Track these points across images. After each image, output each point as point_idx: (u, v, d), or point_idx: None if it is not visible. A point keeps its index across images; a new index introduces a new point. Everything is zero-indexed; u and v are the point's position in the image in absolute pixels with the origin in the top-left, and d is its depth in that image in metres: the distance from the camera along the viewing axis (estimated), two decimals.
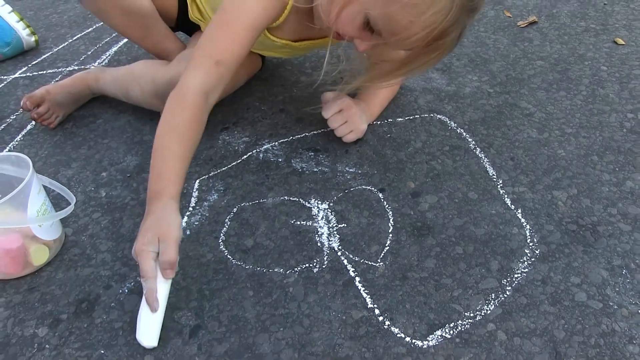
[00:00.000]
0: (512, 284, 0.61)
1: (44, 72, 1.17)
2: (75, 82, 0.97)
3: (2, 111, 1.04)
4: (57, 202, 0.77)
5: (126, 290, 0.65)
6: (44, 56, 1.23)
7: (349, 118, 0.82)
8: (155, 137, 0.64)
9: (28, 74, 1.16)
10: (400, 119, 0.90)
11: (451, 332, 0.57)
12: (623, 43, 1.05)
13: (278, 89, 0.98)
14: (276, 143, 0.87)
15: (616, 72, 0.98)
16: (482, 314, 0.58)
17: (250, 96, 0.99)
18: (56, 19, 1.41)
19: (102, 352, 0.58)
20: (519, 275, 0.62)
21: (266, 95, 0.99)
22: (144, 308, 0.57)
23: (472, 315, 0.58)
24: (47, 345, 0.59)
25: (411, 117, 0.90)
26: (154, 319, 0.57)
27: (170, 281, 0.59)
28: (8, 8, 1.19)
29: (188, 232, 0.72)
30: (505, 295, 0.60)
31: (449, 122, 0.89)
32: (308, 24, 0.74)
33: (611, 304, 0.58)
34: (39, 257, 0.69)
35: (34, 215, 0.67)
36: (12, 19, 1.18)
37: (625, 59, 1.00)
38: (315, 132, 0.89)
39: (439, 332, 0.57)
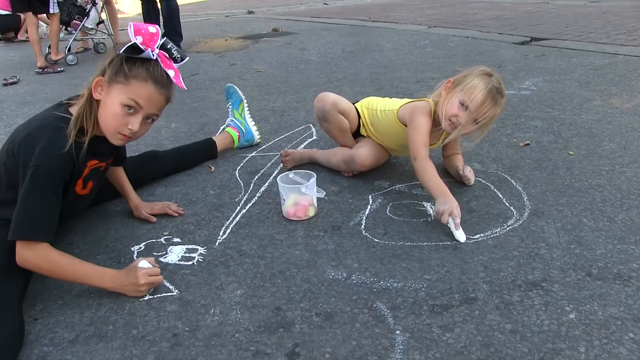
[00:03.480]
0: (507, 220, 1.70)
1: (267, 154, 2.39)
2: (304, 153, 2.17)
3: (256, 167, 2.24)
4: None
5: (362, 222, 1.76)
6: (263, 147, 2.47)
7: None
8: (422, 174, 1.76)
9: (259, 154, 2.39)
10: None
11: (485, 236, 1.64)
12: (572, 153, 2.20)
13: (394, 168, 2.14)
14: (404, 185, 2.02)
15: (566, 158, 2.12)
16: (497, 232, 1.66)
17: (383, 167, 2.16)
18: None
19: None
20: (510, 224, 1.71)
21: (392, 170, 2.17)
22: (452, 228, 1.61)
23: (500, 226, 1.66)
24: (326, 240, 1.69)
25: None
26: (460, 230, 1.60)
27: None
28: (252, 122, 2.46)
29: (371, 210, 1.85)
30: (506, 227, 1.68)
31: (492, 188, 2.03)
32: (432, 132, 1.90)
33: (544, 235, 1.65)
34: (311, 212, 1.82)
35: (314, 192, 1.82)
36: (254, 129, 2.45)
37: (571, 161, 2.15)
38: (416, 182, 2.03)
39: (479, 235, 1.65)
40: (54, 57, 4.87)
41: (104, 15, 5.32)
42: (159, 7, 5.10)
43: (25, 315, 1.37)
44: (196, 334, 1.29)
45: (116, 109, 1.46)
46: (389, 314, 1.31)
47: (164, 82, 1.47)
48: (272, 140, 2.54)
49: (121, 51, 1.41)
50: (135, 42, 1.40)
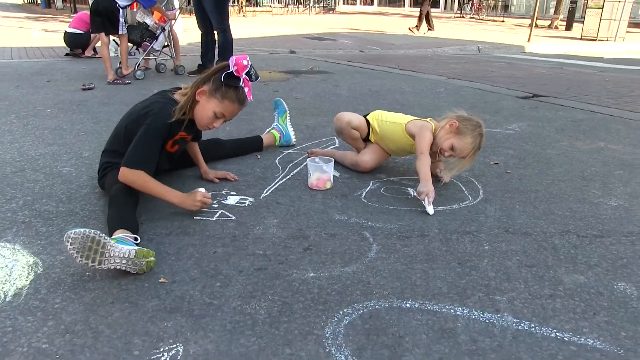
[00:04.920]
0: (463, 201, 2.52)
1: (300, 152, 3.27)
2: (326, 152, 3.04)
3: (291, 158, 3.11)
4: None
5: (363, 194, 2.61)
6: (297, 147, 3.34)
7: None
8: (420, 163, 2.53)
9: (294, 151, 3.27)
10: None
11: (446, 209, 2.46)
12: (510, 172, 3.02)
13: (391, 167, 2.98)
14: (397, 177, 2.87)
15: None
16: (456, 207, 2.48)
17: (383, 166, 3.01)
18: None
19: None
20: (465, 204, 2.53)
21: (390, 168, 3.02)
22: (425, 204, 2.40)
23: (458, 204, 2.48)
24: (336, 201, 2.53)
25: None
26: (431, 206, 2.40)
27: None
28: (291, 128, 3.36)
29: (370, 188, 2.69)
30: (461, 205, 2.51)
31: (460, 185, 2.86)
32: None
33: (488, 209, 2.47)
34: (328, 185, 2.66)
35: (332, 172, 2.68)
36: (292, 133, 3.35)
37: (523, 175, 2.97)
38: (405, 177, 2.87)
39: (440, 207, 2.47)
40: (124, 71, 5.90)
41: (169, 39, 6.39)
42: (216, 38, 6.15)
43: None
44: (247, 236, 2.13)
45: (210, 114, 2.37)
46: (370, 237, 2.14)
47: (244, 102, 2.39)
48: (305, 144, 3.42)
49: (222, 78, 2.31)
50: (232, 71, 2.30)
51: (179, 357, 1.43)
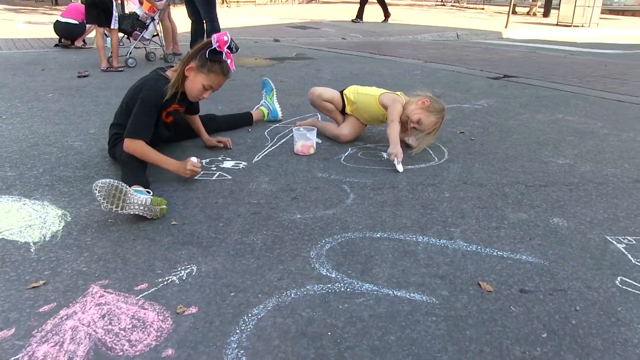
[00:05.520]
0: (429, 162, 2.91)
1: (286, 125, 3.64)
2: (309, 122, 3.43)
3: (278, 131, 3.48)
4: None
5: (342, 157, 2.99)
6: (284, 122, 3.71)
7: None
8: (390, 128, 2.89)
9: (281, 125, 3.64)
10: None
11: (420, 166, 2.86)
12: (473, 140, 3.42)
13: (367, 137, 3.37)
14: (372, 144, 3.25)
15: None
16: (427, 164, 2.88)
17: (363, 135, 3.39)
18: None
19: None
20: (431, 163, 2.92)
21: (366, 137, 3.40)
22: (395, 164, 2.78)
23: (425, 164, 2.87)
24: (319, 163, 2.91)
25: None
26: (400, 165, 2.77)
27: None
28: (278, 104, 3.73)
29: (349, 153, 3.08)
30: (428, 164, 2.90)
31: (428, 149, 3.25)
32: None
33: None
34: (312, 151, 3.02)
35: (315, 139, 3.06)
36: (279, 109, 3.72)
37: (485, 141, 3.37)
38: (380, 144, 3.26)
39: (409, 166, 2.86)
40: (115, 64, 6.19)
41: (159, 29, 6.70)
42: (205, 27, 6.48)
43: None
44: (243, 190, 2.50)
45: (199, 87, 2.71)
46: (348, 189, 2.52)
47: (229, 73, 2.73)
48: (290, 119, 3.80)
49: (207, 54, 2.65)
50: (215, 47, 2.65)
51: (193, 273, 1.80)
